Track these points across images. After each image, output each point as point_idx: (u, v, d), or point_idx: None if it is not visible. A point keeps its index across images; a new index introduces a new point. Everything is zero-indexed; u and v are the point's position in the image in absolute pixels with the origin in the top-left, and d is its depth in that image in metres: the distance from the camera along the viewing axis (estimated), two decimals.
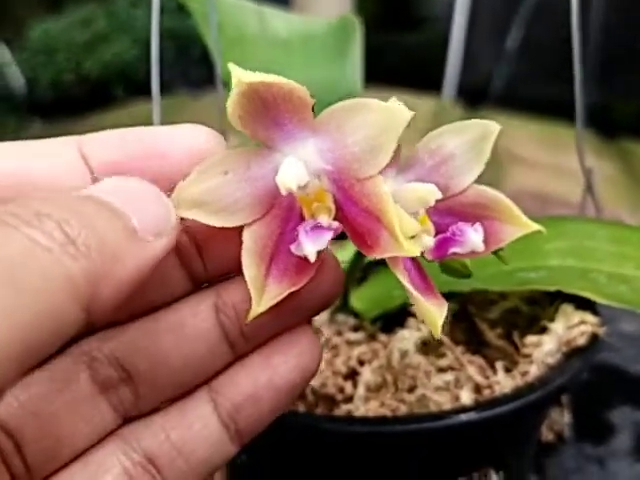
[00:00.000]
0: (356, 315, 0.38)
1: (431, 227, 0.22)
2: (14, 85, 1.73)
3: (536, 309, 0.38)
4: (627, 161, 1.40)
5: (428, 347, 0.35)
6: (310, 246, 0.20)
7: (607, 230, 0.37)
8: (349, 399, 0.34)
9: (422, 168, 0.22)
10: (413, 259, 0.22)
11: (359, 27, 0.46)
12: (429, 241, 0.22)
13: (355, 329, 0.38)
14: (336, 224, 0.21)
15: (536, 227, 0.22)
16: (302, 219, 0.21)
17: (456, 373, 0.34)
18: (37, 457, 0.20)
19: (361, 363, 0.35)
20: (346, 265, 0.34)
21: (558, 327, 0.34)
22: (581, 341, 0.33)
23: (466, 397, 0.32)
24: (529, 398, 0.30)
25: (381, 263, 0.22)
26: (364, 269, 0.41)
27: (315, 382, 0.34)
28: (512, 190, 1.26)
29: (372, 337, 0.37)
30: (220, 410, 0.22)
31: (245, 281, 0.21)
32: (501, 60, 1.66)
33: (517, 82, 1.67)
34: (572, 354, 0.33)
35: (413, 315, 0.36)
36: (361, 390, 0.33)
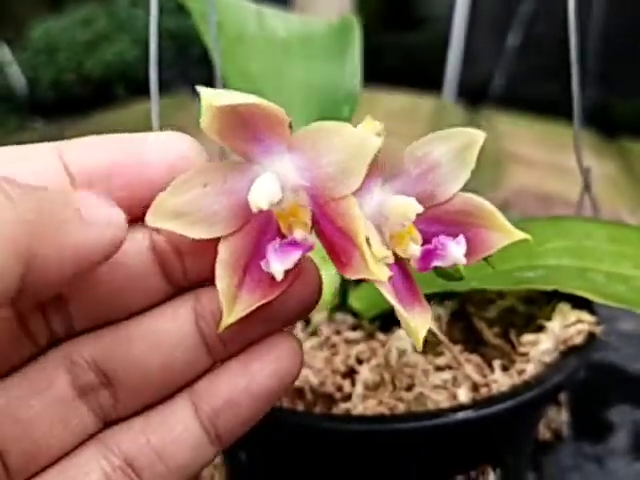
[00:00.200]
0: (355, 314, 0.38)
1: (418, 236, 0.22)
2: (15, 85, 1.73)
3: (533, 308, 0.38)
4: (627, 160, 1.40)
5: (426, 346, 0.36)
6: (277, 265, 0.20)
7: (606, 229, 0.38)
8: (347, 397, 0.34)
9: (408, 177, 0.23)
10: (399, 264, 0.23)
11: (358, 27, 0.46)
12: (416, 250, 0.22)
13: (354, 328, 0.38)
14: (311, 240, 0.21)
15: (521, 235, 0.22)
16: (279, 232, 0.21)
17: (454, 372, 0.34)
18: (17, 460, 0.20)
19: (359, 362, 0.35)
20: None
21: (555, 326, 0.34)
22: (578, 340, 0.33)
23: (464, 395, 0.32)
24: (526, 396, 0.31)
25: None
26: None
27: (314, 380, 0.34)
28: (512, 189, 1.26)
29: (370, 336, 0.37)
30: (200, 414, 0.22)
31: None
32: (501, 59, 1.66)
33: (517, 81, 1.67)
34: (569, 353, 0.33)
35: None
36: (359, 388, 0.34)
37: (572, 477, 0.46)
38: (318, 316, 0.38)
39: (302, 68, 0.45)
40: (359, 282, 0.42)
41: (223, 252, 0.22)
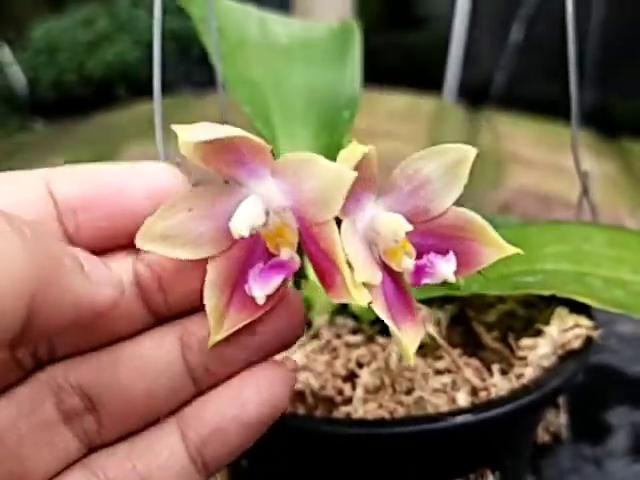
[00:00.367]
0: (355, 318, 0.39)
1: (412, 250, 0.23)
2: (16, 85, 1.73)
3: (532, 312, 0.38)
4: (627, 160, 1.40)
5: (425, 350, 0.36)
6: (258, 290, 0.21)
7: (604, 234, 0.38)
8: (348, 401, 0.34)
9: (401, 192, 0.23)
10: (394, 278, 0.23)
11: (359, 32, 0.47)
12: (409, 264, 0.22)
13: (354, 332, 0.38)
14: (297, 259, 0.21)
15: (512, 250, 0.23)
16: (267, 251, 0.22)
17: (453, 375, 0.34)
18: None
19: (360, 365, 0.36)
20: None
21: (553, 330, 0.34)
22: (576, 344, 0.34)
23: (463, 399, 0.33)
24: (524, 400, 0.31)
25: None
26: None
27: (315, 384, 0.34)
28: (513, 189, 1.26)
29: (371, 340, 0.37)
30: (188, 442, 0.22)
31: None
32: (502, 60, 1.66)
33: (518, 82, 1.67)
34: (567, 357, 0.34)
35: None
36: (360, 392, 0.34)
37: (571, 479, 0.46)
38: (319, 319, 0.38)
39: (303, 73, 0.45)
40: None
41: (211, 272, 0.22)
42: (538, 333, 0.35)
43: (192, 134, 0.20)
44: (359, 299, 0.21)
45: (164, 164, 0.22)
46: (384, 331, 0.38)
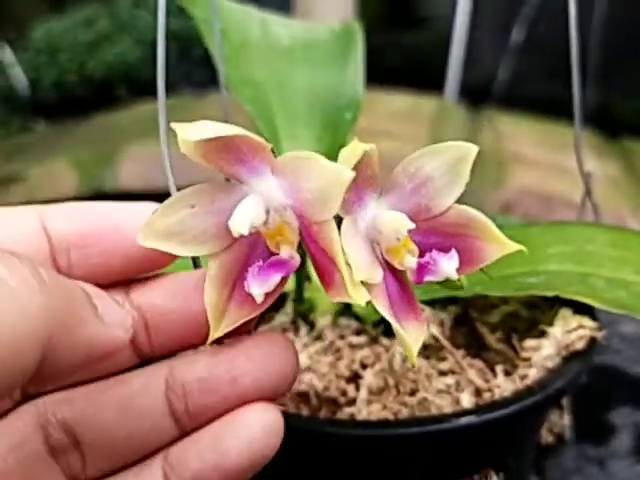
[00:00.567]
0: (359, 319, 0.39)
1: (414, 248, 0.23)
2: (17, 86, 1.73)
3: (536, 313, 0.38)
4: (629, 160, 1.40)
5: (429, 351, 0.36)
6: (257, 288, 0.21)
7: (607, 234, 0.38)
8: (352, 402, 0.34)
9: (403, 191, 0.23)
10: (397, 276, 0.23)
11: (361, 33, 0.47)
12: (412, 262, 0.22)
13: (358, 333, 0.38)
14: (297, 258, 0.22)
15: (515, 247, 0.23)
16: (267, 248, 0.22)
17: (457, 376, 0.34)
18: None
19: (364, 366, 0.36)
20: None
21: (557, 331, 0.34)
22: (579, 345, 0.34)
23: (466, 400, 0.33)
24: (528, 401, 0.31)
25: None
26: None
27: (318, 385, 0.34)
28: (514, 189, 1.26)
29: (374, 340, 0.37)
30: None
31: (197, 359, 0.22)
32: (503, 59, 1.66)
33: (520, 81, 1.67)
34: (571, 358, 0.34)
35: None
36: (363, 393, 0.34)
37: None
38: (322, 320, 0.39)
39: (305, 74, 0.45)
40: None
41: (213, 268, 0.22)
42: (542, 334, 0.35)
43: (192, 132, 0.20)
44: (357, 298, 0.21)
45: (157, 205, 0.22)
46: (388, 332, 0.38)
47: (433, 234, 0.23)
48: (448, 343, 0.35)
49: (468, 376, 0.34)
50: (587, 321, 0.34)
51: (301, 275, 0.38)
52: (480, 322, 0.38)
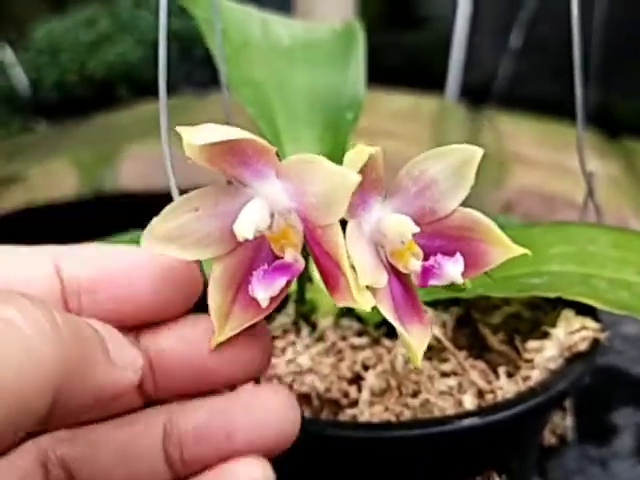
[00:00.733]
0: (360, 320, 0.39)
1: (419, 251, 0.22)
2: (18, 86, 1.73)
3: (538, 314, 0.38)
4: (630, 160, 1.40)
5: (431, 352, 0.36)
6: (262, 293, 0.21)
7: (609, 235, 0.38)
8: (354, 403, 0.34)
9: (407, 194, 0.23)
10: (401, 279, 0.23)
11: (362, 33, 0.47)
12: (416, 265, 0.22)
13: (359, 334, 0.38)
14: (301, 261, 0.21)
15: (520, 251, 0.23)
16: (272, 251, 0.22)
17: (459, 378, 0.34)
18: None
19: (366, 368, 0.35)
20: None
21: (559, 333, 0.34)
22: (582, 347, 0.33)
23: (469, 402, 0.32)
24: (531, 403, 0.31)
25: None
26: None
27: (320, 386, 0.34)
28: (515, 189, 1.26)
29: (376, 342, 0.37)
30: None
31: (196, 407, 0.22)
32: (504, 59, 1.66)
33: (520, 81, 1.67)
34: (574, 359, 0.33)
35: None
36: (365, 395, 0.34)
37: None
38: (324, 322, 0.38)
39: (306, 74, 0.45)
40: None
41: (217, 271, 0.22)
42: (544, 335, 0.35)
43: (197, 136, 0.20)
44: (363, 303, 0.21)
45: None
46: (390, 333, 0.38)
47: (438, 237, 0.23)
48: (450, 344, 0.35)
49: (470, 377, 0.34)
50: (590, 322, 0.34)
51: (303, 276, 0.38)
52: (482, 323, 0.38)
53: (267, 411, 0.22)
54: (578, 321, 0.34)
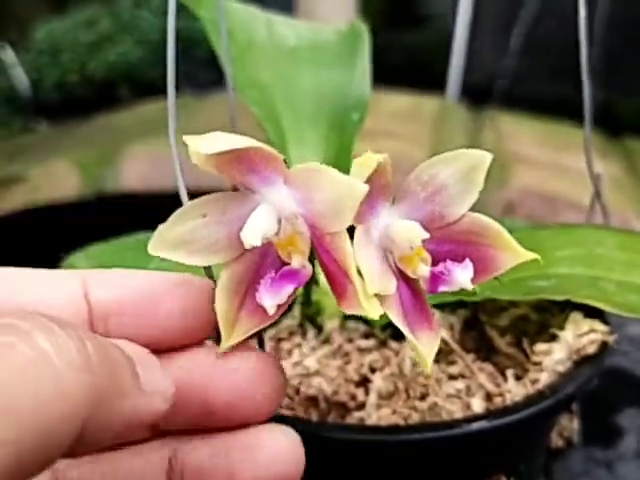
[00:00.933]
0: (367, 322, 0.39)
1: (427, 257, 0.22)
2: (19, 86, 1.73)
3: (546, 316, 0.38)
4: (631, 160, 1.40)
5: (439, 355, 0.36)
6: (269, 300, 0.21)
7: (616, 237, 0.38)
8: (361, 406, 0.34)
9: (416, 199, 0.23)
10: (410, 284, 0.23)
11: (367, 33, 0.47)
12: (425, 271, 0.22)
13: (366, 336, 0.38)
14: (309, 267, 0.21)
15: (529, 256, 0.22)
16: (279, 257, 0.22)
17: (467, 381, 0.34)
18: None
19: (373, 370, 0.35)
20: None
21: (568, 335, 0.34)
22: (591, 349, 0.33)
23: (477, 405, 0.32)
24: (540, 406, 0.31)
25: None
26: None
27: (327, 389, 0.34)
28: (517, 189, 1.26)
29: (383, 344, 0.37)
30: None
31: (201, 445, 0.22)
32: (505, 59, 1.66)
33: (521, 81, 1.67)
34: (582, 362, 0.33)
35: None
36: (373, 397, 0.34)
37: None
38: (330, 324, 0.38)
39: (311, 75, 0.45)
40: None
41: (224, 277, 0.22)
42: (552, 338, 0.35)
43: (204, 145, 0.19)
44: (370, 311, 0.20)
45: (194, 276, 0.22)
46: (396, 336, 0.37)
47: (446, 242, 0.23)
48: (458, 347, 0.35)
49: (478, 380, 0.34)
50: (598, 325, 0.34)
51: (309, 279, 0.38)
52: (490, 326, 0.38)
53: (272, 453, 0.22)
54: (586, 324, 0.34)
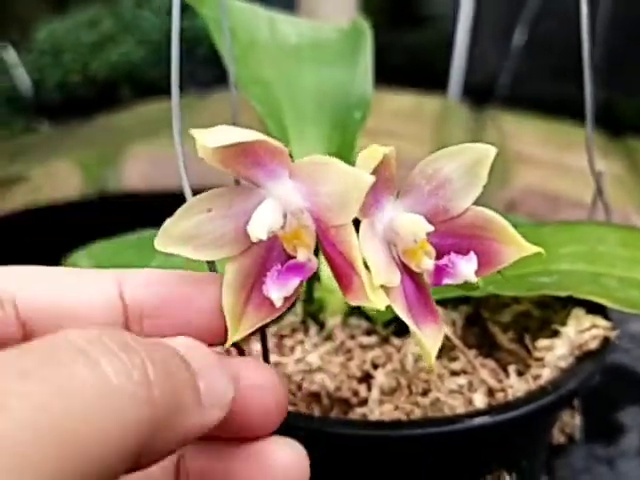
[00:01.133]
0: (369, 318, 0.39)
1: (431, 250, 0.22)
2: (20, 86, 1.73)
3: (548, 312, 0.38)
4: (633, 159, 1.40)
5: (441, 350, 0.36)
6: (276, 292, 0.21)
7: (618, 234, 0.38)
8: (364, 402, 0.34)
9: (420, 192, 0.23)
10: (414, 278, 0.23)
11: (369, 32, 0.47)
12: (429, 264, 0.22)
13: (368, 333, 0.38)
14: (314, 261, 0.21)
15: (533, 249, 0.23)
16: (285, 251, 0.22)
17: (469, 377, 0.34)
18: None
19: (375, 367, 0.35)
20: None
21: (570, 331, 0.34)
22: (593, 345, 0.33)
23: (479, 401, 0.32)
24: (542, 402, 0.31)
25: None
26: None
27: (330, 385, 0.34)
28: (519, 188, 1.26)
29: (385, 340, 0.37)
30: None
31: (207, 453, 0.22)
32: (507, 58, 1.66)
33: (523, 80, 1.67)
34: (584, 358, 0.33)
35: None
36: (375, 393, 0.34)
37: (583, 479, 0.46)
38: (332, 320, 0.38)
39: (314, 73, 0.45)
40: None
41: (230, 271, 0.22)
42: (554, 334, 0.35)
43: (210, 138, 0.20)
44: (377, 302, 0.21)
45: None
46: (398, 332, 0.38)
47: (450, 236, 0.23)
48: (460, 343, 0.35)
49: (480, 376, 0.34)
50: (600, 321, 0.34)
51: (312, 275, 0.38)
52: (492, 322, 0.38)
53: (277, 465, 0.22)
54: (588, 320, 0.34)
